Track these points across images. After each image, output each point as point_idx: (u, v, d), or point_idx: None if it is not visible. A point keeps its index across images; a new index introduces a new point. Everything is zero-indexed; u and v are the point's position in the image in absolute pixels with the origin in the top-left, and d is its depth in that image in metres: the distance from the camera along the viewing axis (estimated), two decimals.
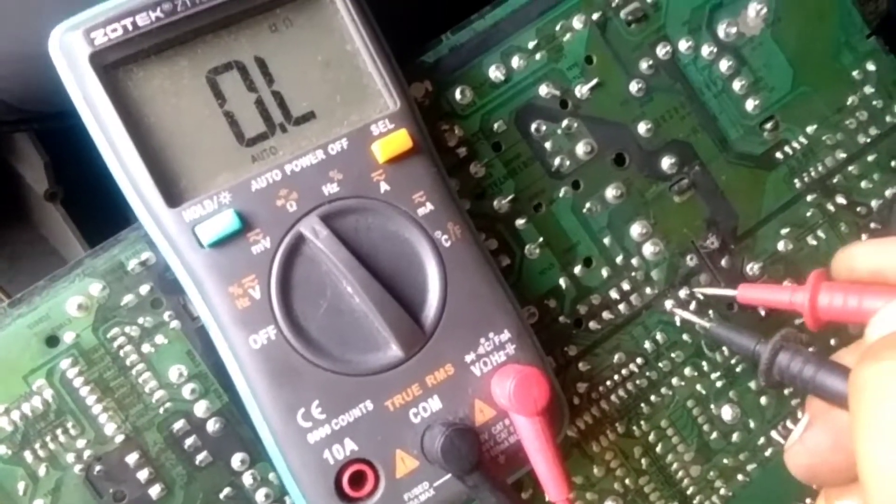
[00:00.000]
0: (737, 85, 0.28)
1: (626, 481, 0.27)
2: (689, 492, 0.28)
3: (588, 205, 0.27)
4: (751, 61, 0.29)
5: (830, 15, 0.29)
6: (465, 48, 0.26)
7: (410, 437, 0.23)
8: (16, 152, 0.33)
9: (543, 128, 0.27)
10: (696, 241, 0.28)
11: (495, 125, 0.26)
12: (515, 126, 0.27)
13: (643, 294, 0.27)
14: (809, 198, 0.29)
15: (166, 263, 0.23)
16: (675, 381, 0.28)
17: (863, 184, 0.30)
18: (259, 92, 0.23)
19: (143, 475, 0.23)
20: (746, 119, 0.29)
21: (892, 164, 0.30)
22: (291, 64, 0.23)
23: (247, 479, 0.24)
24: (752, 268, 0.28)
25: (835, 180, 0.30)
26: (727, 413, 0.28)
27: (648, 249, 0.28)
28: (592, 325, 0.27)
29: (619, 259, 0.27)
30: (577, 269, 0.27)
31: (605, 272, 0.27)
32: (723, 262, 0.28)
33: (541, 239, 0.27)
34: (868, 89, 0.30)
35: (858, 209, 0.30)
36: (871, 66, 0.30)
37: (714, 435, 0.28)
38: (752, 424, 0.28)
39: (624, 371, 0.27)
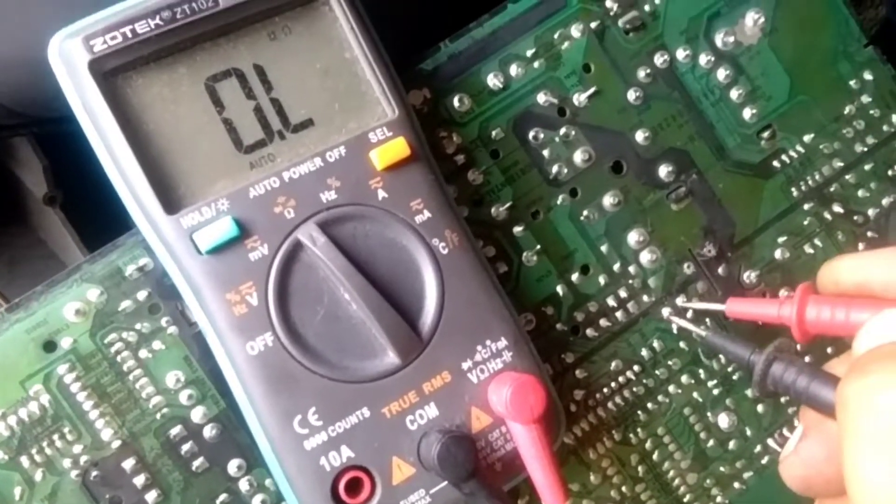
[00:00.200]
0: (734, 94, 0.29)
1: (623, 489, 0.27)
2: (685, 499, 0.28)
3: (586, 212, 0.27)
4: (748, 70, 0.29)
5: (827, 24, 0.30)
6: (463, 56, 0.26)
7: (407, 445, 0.23)
8: (15, 156, 0.33)
9: (541, 135, 0.27)
10: (693, 248, 0.28)
11: (493, 132, 0.27)
12: (513, 133, 0.27)
13: (640, 302, 0.28)
14: (806, 206, 0.29)
15: (164, 269, 0.23)
16: (671, 388, 0.28)
17: (860, 193, 0.30)
18: (258, 99, 0.23)
19: (139, 481, 0.23)
20: (744, 127, 0.29)
21: (889, 173, 0.30)
22: (290, 71, 0.23)
23: (243, 485, 0.24)
24: (749, 276, 0.28)
25: (832, 189, 0.30)
26: (724, 421, 0.28)
27: (646, 257, 0.28)
28: (590, 332, 0.27)
29: (616, 266, 0.27)
30: (575, 277, 0.27)
31: (602, 279, 0.27)
32: (720, 270, 0.28)
33: (538, 246, 0.27)
34: (865, 98, 0.30)
35: (855, 218, 0.30)
36: (868, 76, 0.30)
37: (711, 443, 0.28)
38: (748, 432, 0.28)
39: (621, 378, 0.27)
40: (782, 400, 0.29)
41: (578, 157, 0.27)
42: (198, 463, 0.23)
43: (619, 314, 0.27)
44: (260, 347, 0.22)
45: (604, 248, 0.27)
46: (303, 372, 0.22)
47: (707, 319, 0.28)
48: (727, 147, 0.29)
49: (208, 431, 0.24)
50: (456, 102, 0.26)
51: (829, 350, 0.29)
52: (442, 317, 0.23)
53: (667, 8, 0.28)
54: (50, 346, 0.23)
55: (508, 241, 0.27)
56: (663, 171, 0.28)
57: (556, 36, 0.27)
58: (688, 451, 0.28)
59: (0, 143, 0.32)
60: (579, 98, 0.27)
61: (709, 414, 0.28)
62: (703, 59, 0.28)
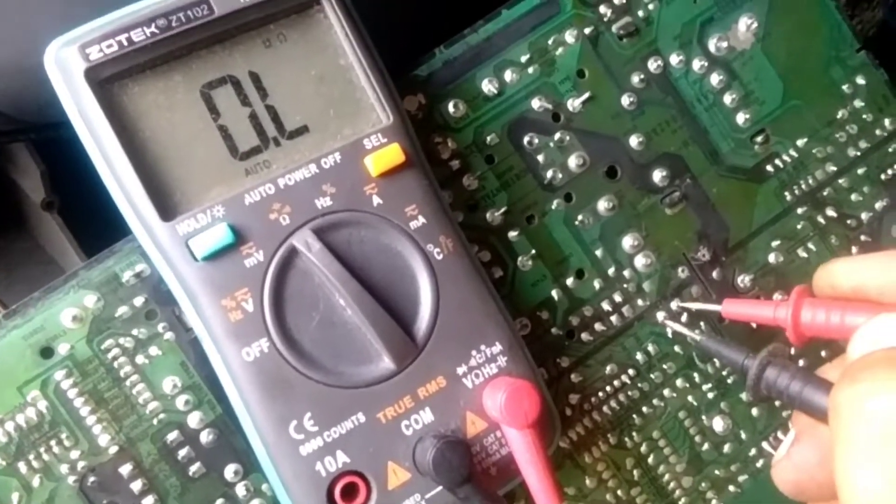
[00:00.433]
0: (728, 98, 0.29)
1: (618, 492, 0.27)
2: (680, 503, 0.28)
3: (580, 217, 0.27)
4: (741, 75, 0.29)
5: (820, 29, 0.30)
6: (458, 62, 0.27)
7: (402, 450, 0.23)
8: (13, 162, 0.33)
9: (536, 141, 0.27)
10: (687, 253, 0.28)
11: (488, 138, 0.27)
12: (508, 139, 0.27)
13: (635, 306, 0.28)
14: (800, 210, 0.30)
15: (160, 275, 0.23)
16: (666, 392, 0.28)
17: (853, 196, 0.30)
18: (253, 106, 0.23)
19: (136, 486, 0.23)
20: (737, 132, 0.29)
21: (882, 177, 0.30)
22: (285, 78, 0.24)
23: (240, 490, 0.24)
24: (743, 280, 0.29)
25: (825, 193, 0.30)
26: (719, 424, 0.28)
27: (640, 261, 0.28)
28: (584, 336, 0.27)
29: (611, 271, 0.27)
30: (570, 281, 0.27)
31: (597, 284, 0.27)
32: (714, 275, 0.28)
33: (533, 251, 0.27)
34: (858, 103, 0.30)
35: (849, 222, 0.30)
36: (860, 80, 0.30)
37: (706, 446, 0.28)
38: (743, 436, 0.28)
39: (616, 382, 0.27)
40: (776, 403, 0.29)
41: (573, 162, 0.27)
42: (194, 468, 0.24)
43: (613, 318, 0.27)
44: (255, 353, 0.22)
45: (598, 253, 0.27)
46: (298, 377, 0.22)
47: (701, 323, 0.28)
48: (721, 152, 0.29)
49: (205, 437, 0.24)
50: (451, 108, 0.26)
51: (823, 353, 0.29)
52: (437, 322, 0.23)
53: (660, 13, 0.28)
54: (47, 352, 0.23)
55: (503, 245, 0.27)
56: (657, 175, 0.28)
57: (550, 42, 0.27)
58: (683, 455, 0.28)
59: None
60: (573, 103, 0.27)
61: (703, 417, 0.28)
62: (697, 64, 0.28)
